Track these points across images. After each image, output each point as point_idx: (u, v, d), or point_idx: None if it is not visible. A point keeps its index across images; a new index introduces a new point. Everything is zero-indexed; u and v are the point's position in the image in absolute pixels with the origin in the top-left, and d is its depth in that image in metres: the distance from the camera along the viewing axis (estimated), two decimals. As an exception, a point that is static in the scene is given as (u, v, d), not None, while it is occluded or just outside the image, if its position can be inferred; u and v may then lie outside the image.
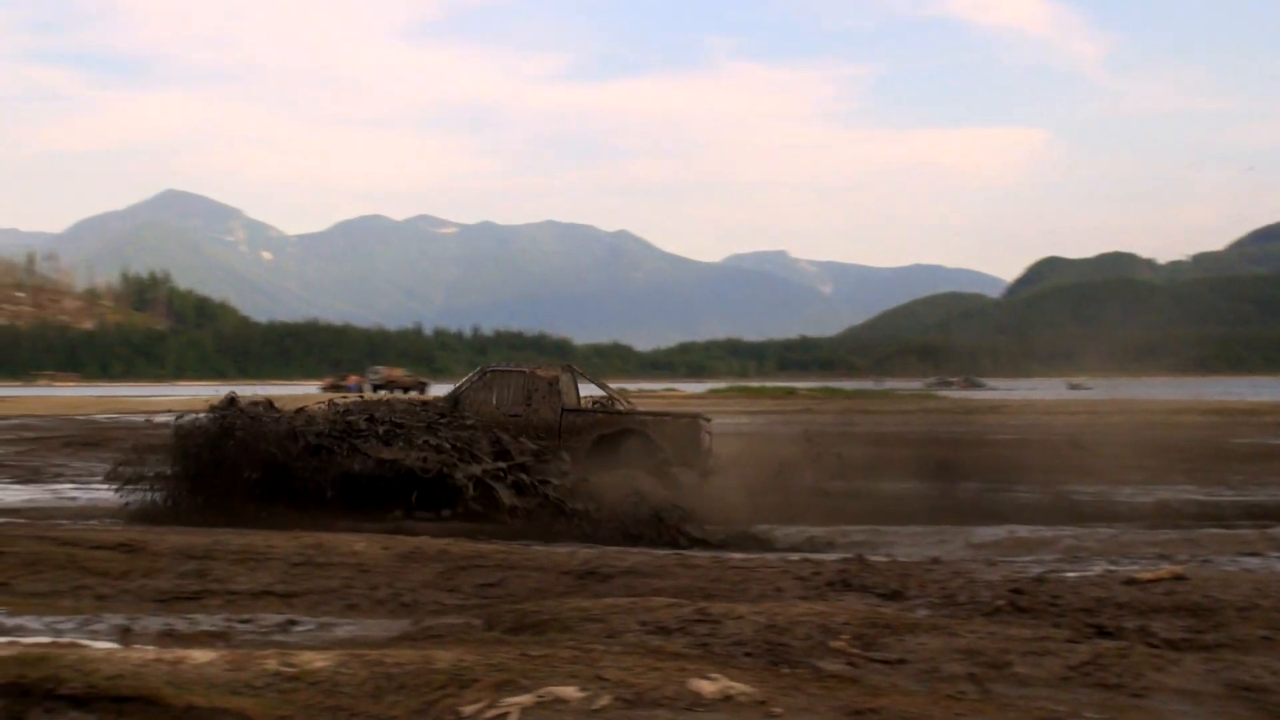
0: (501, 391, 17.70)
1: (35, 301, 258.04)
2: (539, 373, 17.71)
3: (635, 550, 13.55)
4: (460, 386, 18.20)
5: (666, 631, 8.65)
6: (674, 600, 9.65)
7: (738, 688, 6.87)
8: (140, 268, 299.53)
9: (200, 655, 7.90)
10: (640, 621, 8.93)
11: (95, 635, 9.55)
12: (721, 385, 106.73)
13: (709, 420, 18.16)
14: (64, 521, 15.05)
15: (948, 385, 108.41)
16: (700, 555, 13.06)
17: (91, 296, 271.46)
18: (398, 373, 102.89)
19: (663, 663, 7.50)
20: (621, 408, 18.27)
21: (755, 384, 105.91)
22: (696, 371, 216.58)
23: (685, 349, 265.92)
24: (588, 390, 19.23)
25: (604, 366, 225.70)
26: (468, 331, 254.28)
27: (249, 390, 24.23)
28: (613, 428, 17.22)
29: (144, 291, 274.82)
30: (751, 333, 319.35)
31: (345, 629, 9.89)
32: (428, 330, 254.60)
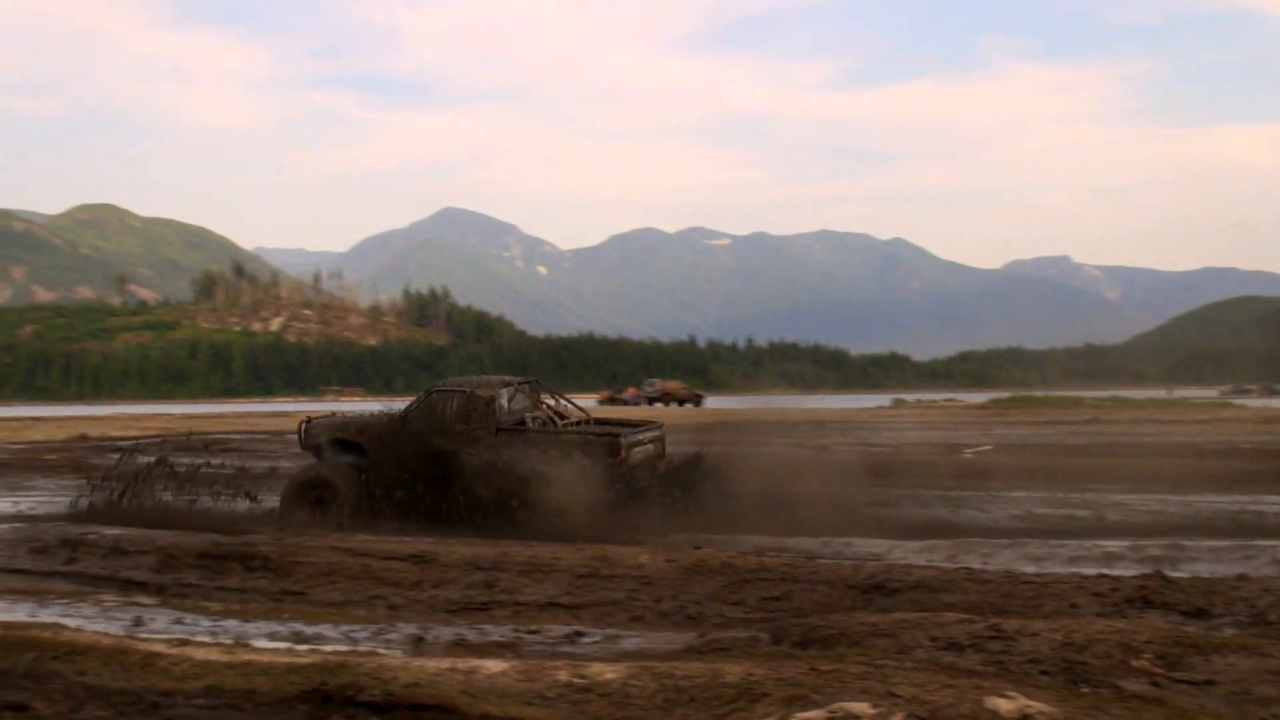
0: (445, 409, 18.29)
1: (322, 319, 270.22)
2: (478, 392, 18.35)
3: (921, 564, 13.34)
4: (410, 405, 18.92)
5: (959, 648, 8.51)
6: (965, 616, 9.48)
7: (1036, 707, 6.71)
8: (421, 284, 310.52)
9: (492, 665, 8.10)
10: (931, 637, 8.81)
11: (390, 644, 9.91)
12: (1004, 395, 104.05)
13: (645, 435, 18.56)
14: (358, 533, 15.66)
15: (1245, 393, 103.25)
16: (991, 570, 12.76)
17: (375, 313, 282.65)
18: (673, 385, 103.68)
19: (956, 680, 7.37)
20: (556, 425, 18.67)
21: (1039, 393, 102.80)
22: (977, 381, 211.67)
23: (965, 358, 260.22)
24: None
25: (881, 377, 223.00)
26: (741, 343, 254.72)
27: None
28: (543, 444, 17.64)
29: (424, 307, 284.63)
30: (1033, 341, 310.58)
31: (631, 641, 10.00)
32: (701, 342, 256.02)
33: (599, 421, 19.35)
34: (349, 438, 18.62)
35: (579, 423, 19.00)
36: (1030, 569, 13.05)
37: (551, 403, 19.77)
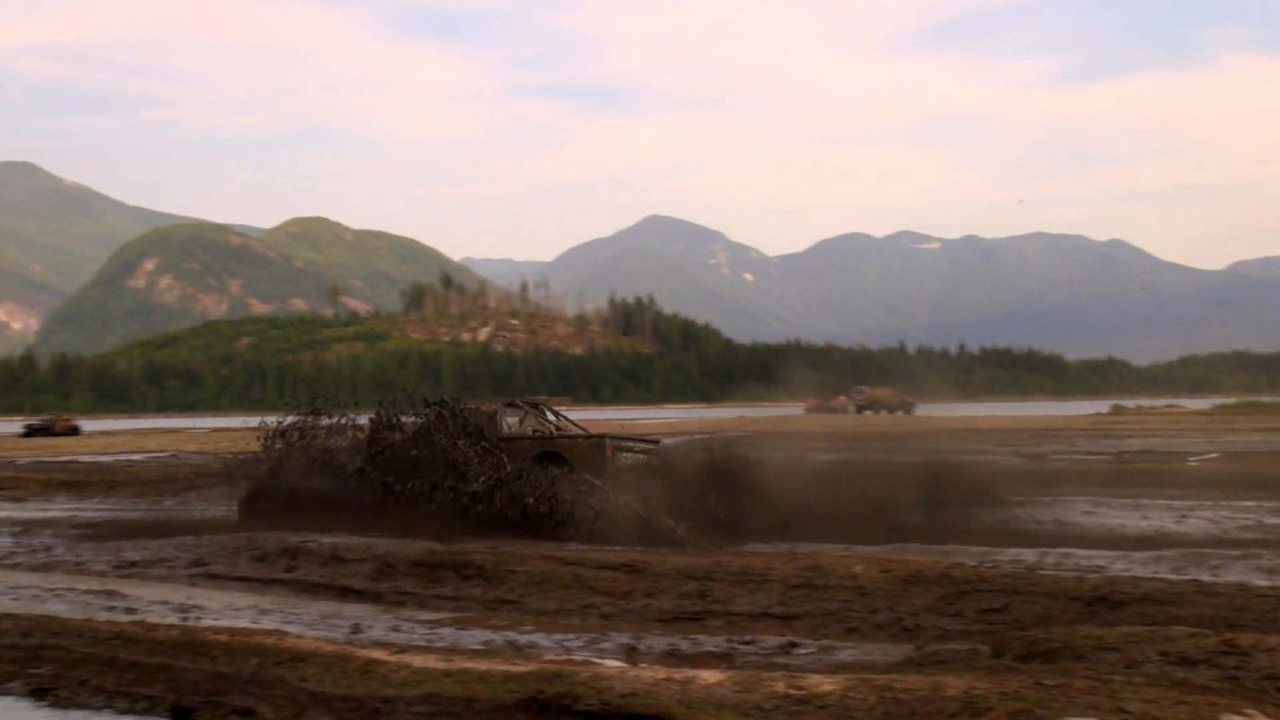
0: (448, 424, 20.08)
1: (529, 328, 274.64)
2: (482, 407, 21.22)
3: (1147, 576, 12.96)
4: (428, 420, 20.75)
5: (1190, 663, 8.27)
6: (1196, 630, 9.20)
7: (1275, 726, 6.47)
8: (626, 293, 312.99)
9: (708, 676, 8.11)
10: (1160, 652, 8.58)
11: (604, 653, 9.99)
12: (1229, 401, 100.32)
13: (635, 445, 20.57)
14: (568, 541, 15.85)
15: None
16: (1222, 583, 12.33)
17: (581, 322, 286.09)
18: (883, 392, 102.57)
19: (1189, 696, 7.16)
20: (550, 434, 20.94)
21: (1267, 399, 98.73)
22: (1200, 387, 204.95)
23: (1187, 363, 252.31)
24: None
25: (1099, 383, 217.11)
26: (953, 349, 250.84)
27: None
28: (536, 450, 19.88)
29: (630, 316, 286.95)
30: (1261, 344, 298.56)
31: (847, 653, 9.93)
32: (911, 348, 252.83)
33: (594, 434, 21.01)
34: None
35: (587, 435, 20.85)
36: (1264, 582, 12.59)
37: (553, 420, 21.90)
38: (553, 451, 19.88)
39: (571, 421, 22.10)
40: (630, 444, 20.53)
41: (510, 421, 20.95)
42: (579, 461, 19.40)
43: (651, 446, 20.93)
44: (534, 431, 20.78)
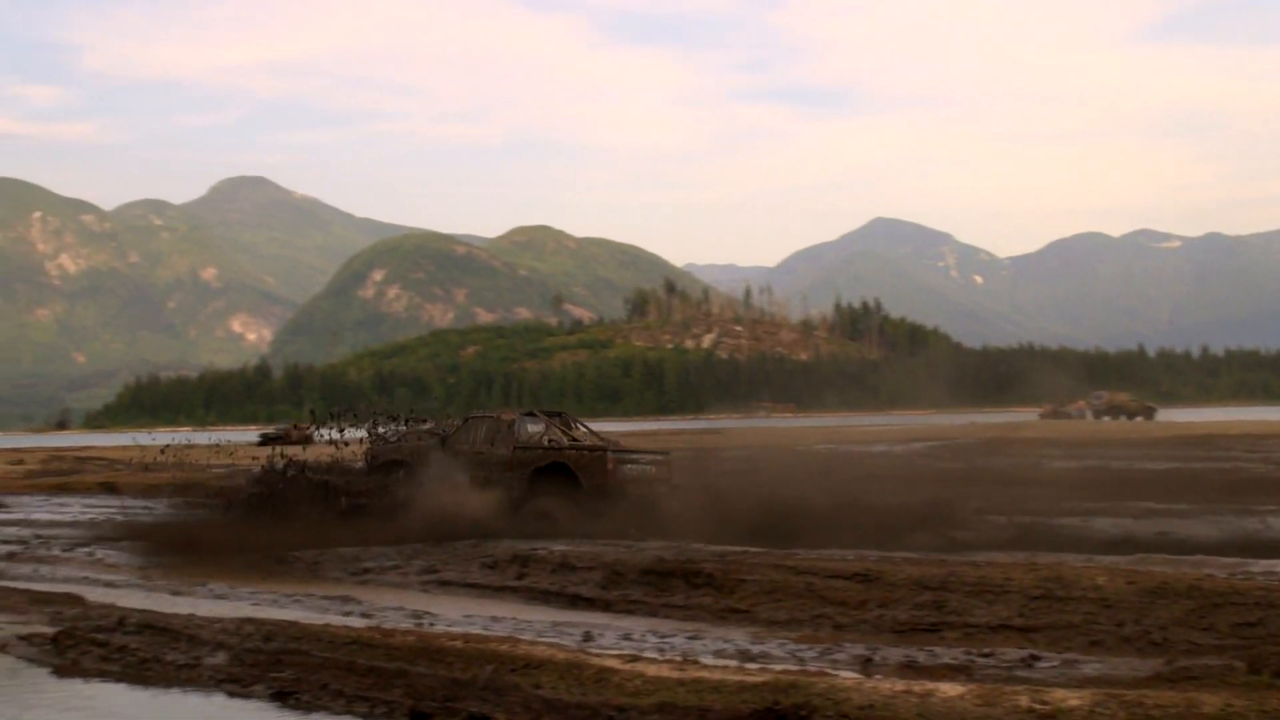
0: (475, 432, 22.83)
1: (753, 334, 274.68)
2: (501, 417, 23.09)
3: None
4: (450, 428, 23.82)
5: None
6: None
7: None
8: (852, 297, 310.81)
9: (948, 689, 7.99)
10: None
11: (838, 664, 9.93)
12: None
13: (639, 457, 22.07)
14: (799, 550, 15.77)
15: None
16: None
17: (806, 327, 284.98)
18: (1122, 397, 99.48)
19: None
20: (562, 445, 22.18)
21: None
22: None
23: None
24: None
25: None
26: (1195, 352, 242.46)
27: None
28: (545, 460, 21.54)
29: (856, 321, 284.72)
30: None
31: (1092, 667, 9.69)
32: (1151, 351, 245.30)
33: (604, 446, 22.31)
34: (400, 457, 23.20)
35: (591, 446, 22.14)
36: None
37: (561, 430, 23.23)
38: (561, 462, 21.51)
39: (594, 433, 23.78)
40: (636, 456, 22.18)
41: (531, 431, 22.77)
42: (583, 472, 21.11)
43: (660, 458, 22.56)
44: (550, 442, 22.37)
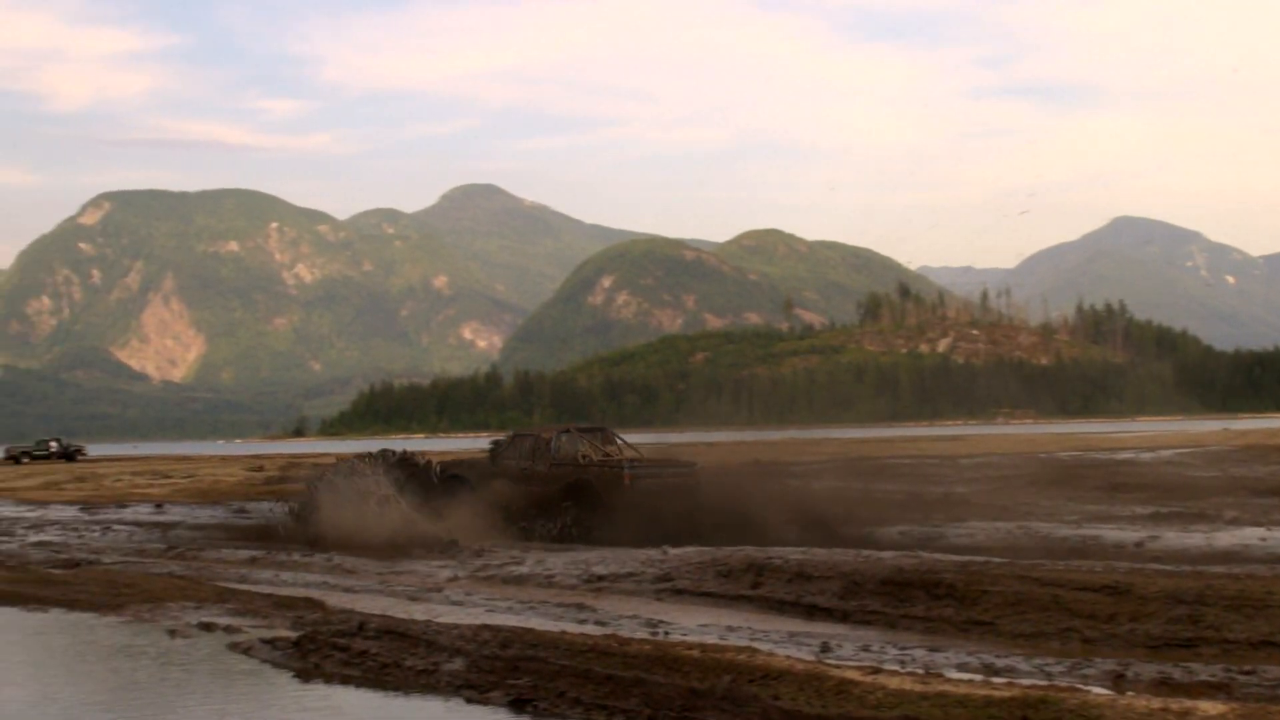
0: (521, 448, 25.25)
1: (990, 338, 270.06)
2: (542, 434, 25.45)
3: None
4: (500, 444, 26.36)
5: None
6: None
7: None
8: (1094, 299, 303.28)
9: (1207, 707, 7.77)
10: None
11: (1088, 680, 9.70)
12: None
13: (662, 470, 24.08)
14: (1044, 561, 15.43)
15: None
16: None
17: (1046, 331, 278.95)
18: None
19: None
20: (591, 461, 24.15)
21: None
22: None
23: None
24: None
25: None
26: None
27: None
28: (575, 476, 23.62)
29: (1100, 324, 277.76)
30: None
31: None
32: None
33: (641, 460, 24.40)
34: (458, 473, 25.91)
35: (611, 463, 23.99)
36: None
37: (595, 446, 25.02)
38: (585, 479, 23.59)
39: (630, 446, 25.43)
40: (657, 471, 24.10)
41: (567, 447, 24.82)
42: (604, 487, 23.13)
43: (684, 470, 24.59)
44: (582, 457, 24.31)
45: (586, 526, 22.72)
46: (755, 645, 11.25)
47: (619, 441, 25.78)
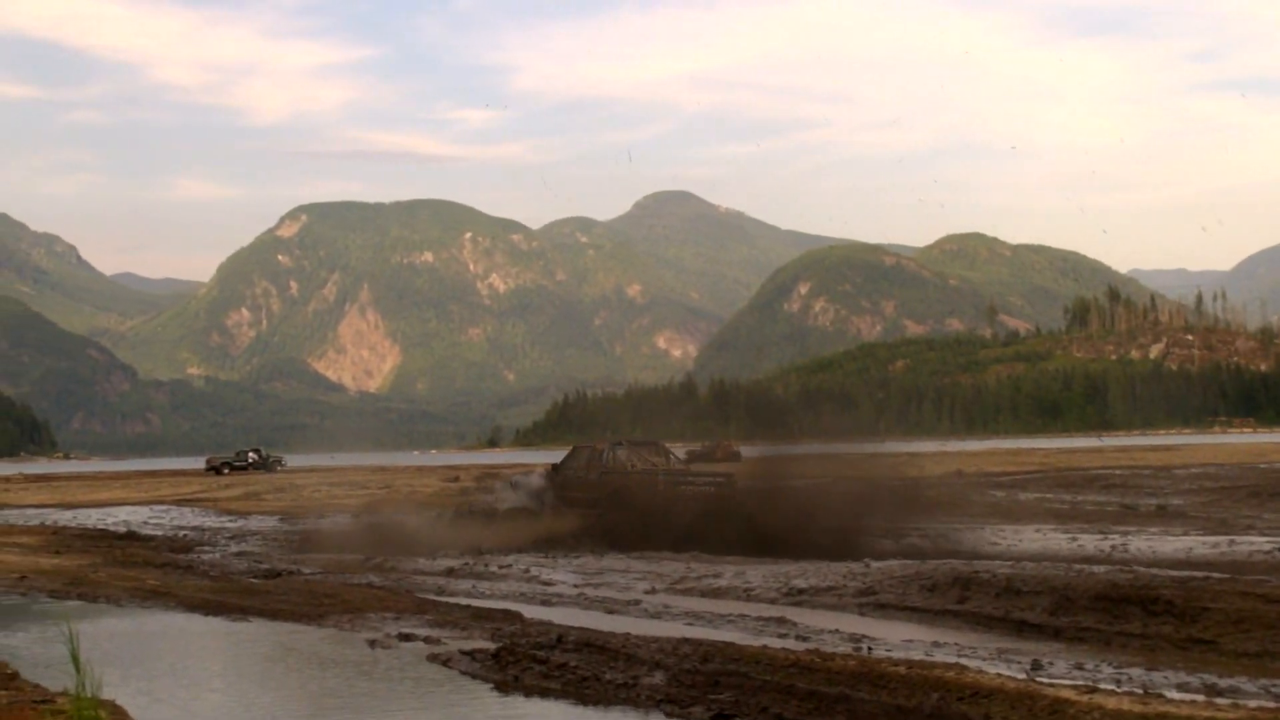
0: (578, 459, 29.87)
1: (1205, 343, 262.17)
2: (596, 446, 30.09)
3: None
4: (564, 458, 31.10)
5: None
6: None
7: None
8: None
9: None
10: None
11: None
12: None
13: (695, 478, 29.21)
14: (1269, 578, 14.92)
15: None
16: None
17: (1266, 335, 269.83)
18: None
19: None
20: (635, 470, 28.67)
21: None
22: None
23: None
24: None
25: None
26: None
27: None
28: (618, 483, 27.64)
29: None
30: None
31: None
32: None
33: (677, 470, 29.42)
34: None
35: (647, 471, 28.55)
36: None
37: (645, 457, 29.52)
38: (626, 484, 27.82)
39: (677, 458, 30.31)
40: (694, 479, 28.97)
41: (619, 458, 29.04)
42: (640, 492, 27.37)
43: (721, 479, 28.57)
44: (632, 468, 28.30)
45: (615, 526, 25.60)
46: (963, 662, 11.09)
47: (670, 454, 30.23)
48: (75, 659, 9.14)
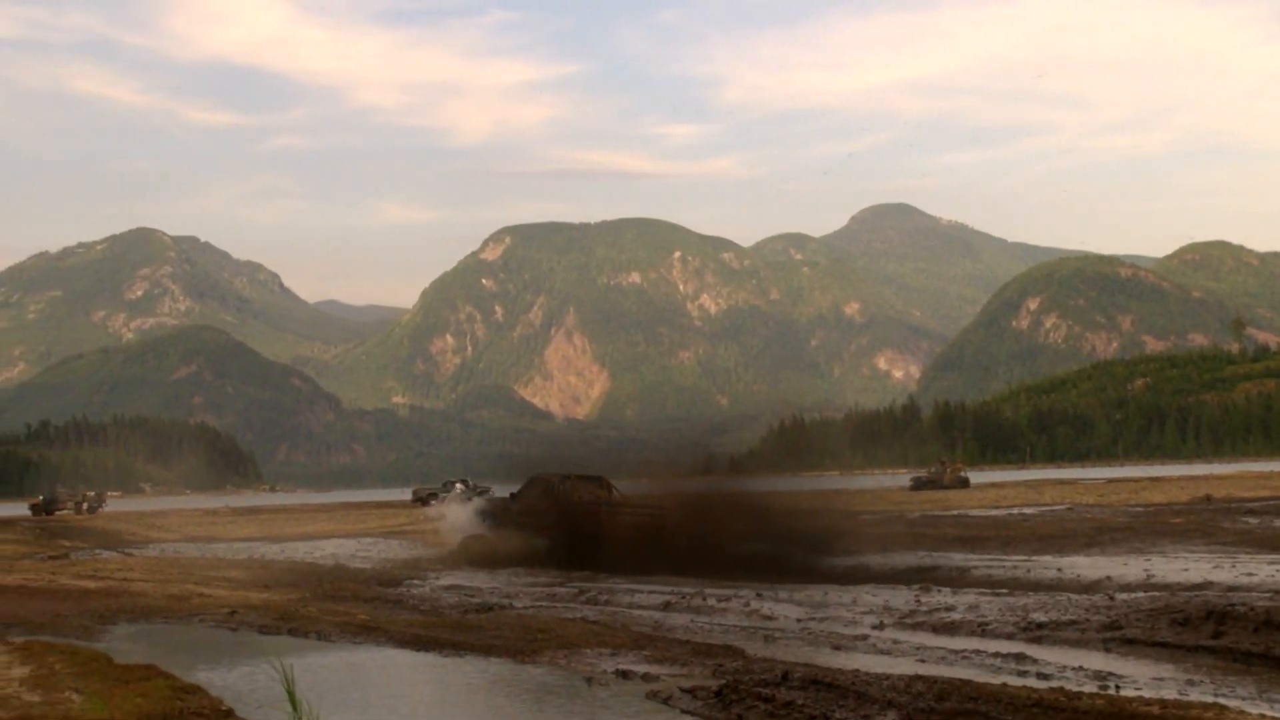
0: (534, 489, 35.33)
1: None
2: (549, 477, 35.33)
3: None
4: (521, 487, 36.35)
5: None
6: None
7: None
8: None
9: None
10: None
11: None
12: None
13: (636, 508, 33.30)
14: None
15: None
16: None
17: None
18: None
19: None
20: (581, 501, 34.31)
21: None
22: None
23: None
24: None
25: None
26: None
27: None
28: (564, 512, 33.28)
29: None
30: None
31: None
32: None
33: (616, 502, 34.32)
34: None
35: (591, 503, 33.92)
36: None
37: (592, 490, 35.06)
38: (573, 514, 33.45)
39: (618, 492, 35.12)
40: (632, 511, 33.13)
41: (567, 490, 34.72)
42: (586, 521, 32.77)
43: (655, 511, 32.38)
44: (586, 499, 33.97)
45: (571, 554, 31.09)
46: (1222, 701, 10.79)
47: (613, 489, 35.15)
48: (291, 696, 9.41)
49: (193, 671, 14.63)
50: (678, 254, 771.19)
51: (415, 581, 27.96)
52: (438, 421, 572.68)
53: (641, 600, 21.99)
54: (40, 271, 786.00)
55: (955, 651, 14.92)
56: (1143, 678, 12.65)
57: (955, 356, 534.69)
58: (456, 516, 38.86)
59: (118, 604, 22.67)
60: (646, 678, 13.76)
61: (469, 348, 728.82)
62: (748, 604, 20.54)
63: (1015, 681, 12.37)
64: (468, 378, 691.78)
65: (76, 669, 13.84)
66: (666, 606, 20.94)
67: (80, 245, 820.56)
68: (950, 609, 18.53)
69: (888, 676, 12.38)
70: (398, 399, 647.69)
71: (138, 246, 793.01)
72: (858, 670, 12.96)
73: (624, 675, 14.01)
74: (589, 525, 32.36)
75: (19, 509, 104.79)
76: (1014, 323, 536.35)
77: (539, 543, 32.95)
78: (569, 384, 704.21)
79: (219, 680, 14.50)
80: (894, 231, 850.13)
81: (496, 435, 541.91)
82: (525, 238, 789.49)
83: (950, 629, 17.07)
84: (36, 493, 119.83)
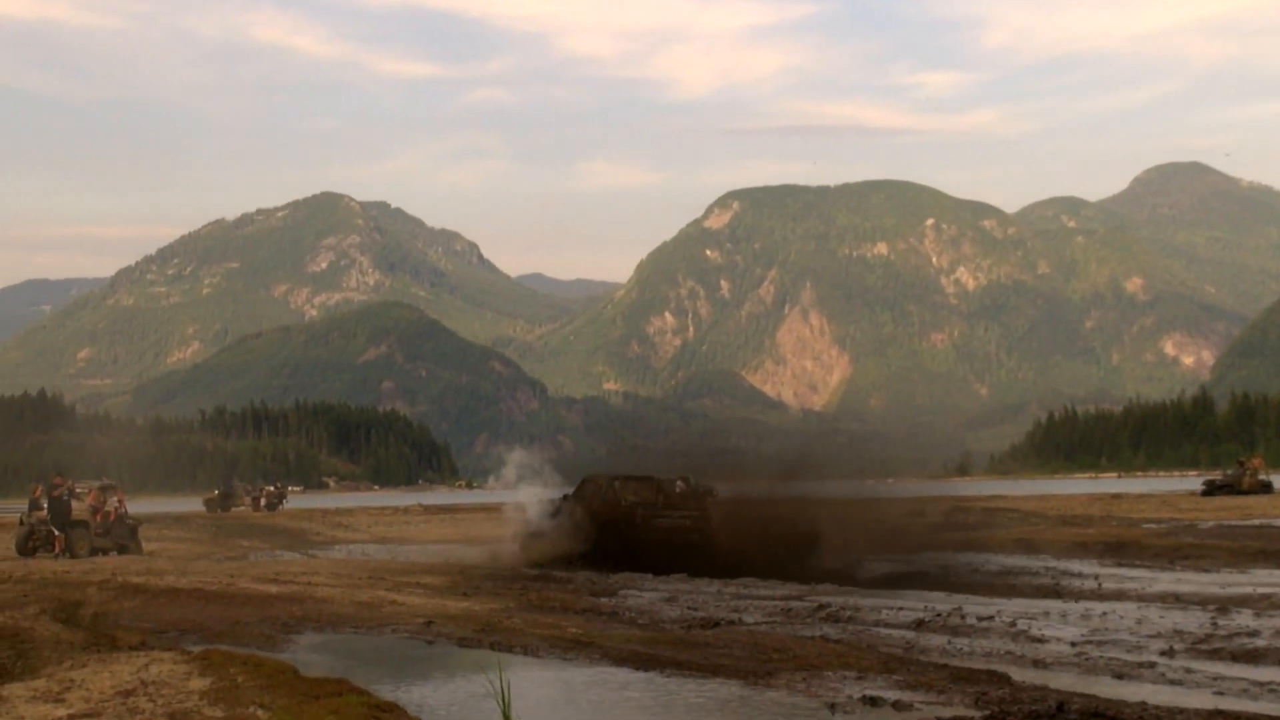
0: (585, 491, 38.87)
1: None
2: (599, 480, 39.14)
3: None
4: (576, 488, 39.89)
5: None
6: None
7: None
8: None
9: None
10: None
11: None
12: None
13: (671, 513, 37.29)
14: None
15: None
16: None
17: None
18: None
19: None
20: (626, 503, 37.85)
21: None
22: None
23: None
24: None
25: None
26: None
27: None
28: (608, 515, 37.07)
29: None
30: None
31: None
32: None
33: (655, 505, 37.64)
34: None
35: (632, 505, 37.40)
36: None
37: (643, 491, 38.43)
38: (613, 517, 36.83)
39: (671, 493, 38.25)
40: (669, 514, 36.99)
41: (619, 490, 38.04)
42: (626, 527, 36.41)
43: (695, 515, 37.20)
44: (630, 502, 37.39)
45: (615, 555, 35.09)
46: None
47: (666, 488, 38.40)
48: (507, 717, 9.49)
49: (388, 687, 14.92)
50: (931, 221, 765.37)
51: (631, 591, 28.16)
52: (655, 411, 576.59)
53: (889, 618, 21.84)
54: (215, 242, 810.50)
55: (1260, 683, 14.55)
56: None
57: (1257, 341, 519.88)
58: (532, 515, 40.95)
59: (302, 611, 23.19)
60: (898, 705, 13.63)
61: (690, 328, 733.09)
62: (1013, 623, 20.27)
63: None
64: (689, 362, 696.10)
65: (260, 682, 14.19)
66: (919, 625, 20.78)
67: (259, 212, 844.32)
68: (1254, 634, 18.11)
69: (1182, 710, 12.17)
70: (610, 385, 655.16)
71: (322, 214, 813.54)
72: (1144, 703, 12.72)
73: (872, 702, 13.90)
74: (627, 527, 36.64)
75: (193, 504, 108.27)
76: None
77: (580, 545, 36.83)
78: (804, 370, 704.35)
79: (417, 697, 14.73)
80: (1184, 195, 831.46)
81: (721, 428, 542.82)
82: (755, 203, 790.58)
83: (1253, 657, 16.66)
84: (211, 487, 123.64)
